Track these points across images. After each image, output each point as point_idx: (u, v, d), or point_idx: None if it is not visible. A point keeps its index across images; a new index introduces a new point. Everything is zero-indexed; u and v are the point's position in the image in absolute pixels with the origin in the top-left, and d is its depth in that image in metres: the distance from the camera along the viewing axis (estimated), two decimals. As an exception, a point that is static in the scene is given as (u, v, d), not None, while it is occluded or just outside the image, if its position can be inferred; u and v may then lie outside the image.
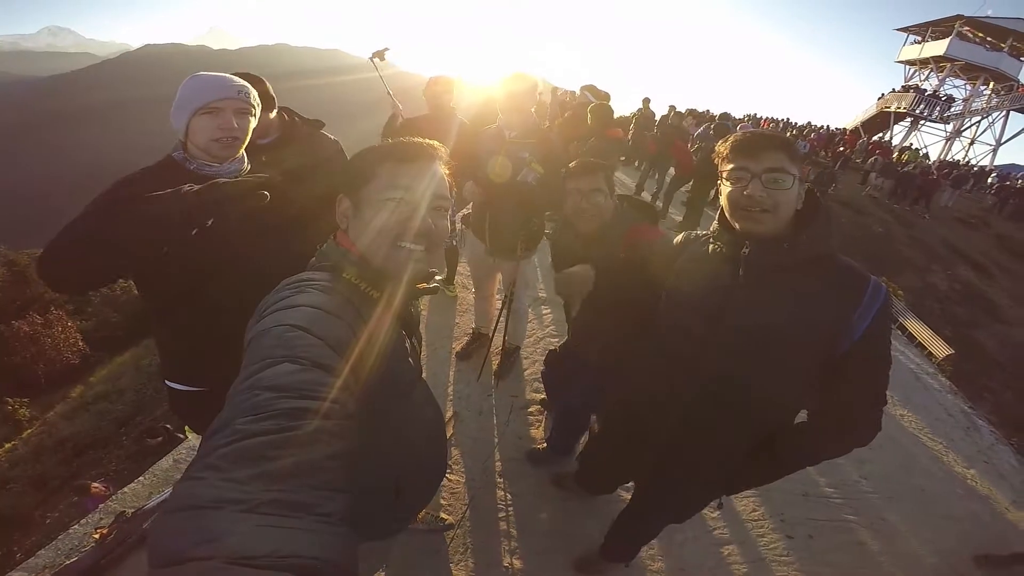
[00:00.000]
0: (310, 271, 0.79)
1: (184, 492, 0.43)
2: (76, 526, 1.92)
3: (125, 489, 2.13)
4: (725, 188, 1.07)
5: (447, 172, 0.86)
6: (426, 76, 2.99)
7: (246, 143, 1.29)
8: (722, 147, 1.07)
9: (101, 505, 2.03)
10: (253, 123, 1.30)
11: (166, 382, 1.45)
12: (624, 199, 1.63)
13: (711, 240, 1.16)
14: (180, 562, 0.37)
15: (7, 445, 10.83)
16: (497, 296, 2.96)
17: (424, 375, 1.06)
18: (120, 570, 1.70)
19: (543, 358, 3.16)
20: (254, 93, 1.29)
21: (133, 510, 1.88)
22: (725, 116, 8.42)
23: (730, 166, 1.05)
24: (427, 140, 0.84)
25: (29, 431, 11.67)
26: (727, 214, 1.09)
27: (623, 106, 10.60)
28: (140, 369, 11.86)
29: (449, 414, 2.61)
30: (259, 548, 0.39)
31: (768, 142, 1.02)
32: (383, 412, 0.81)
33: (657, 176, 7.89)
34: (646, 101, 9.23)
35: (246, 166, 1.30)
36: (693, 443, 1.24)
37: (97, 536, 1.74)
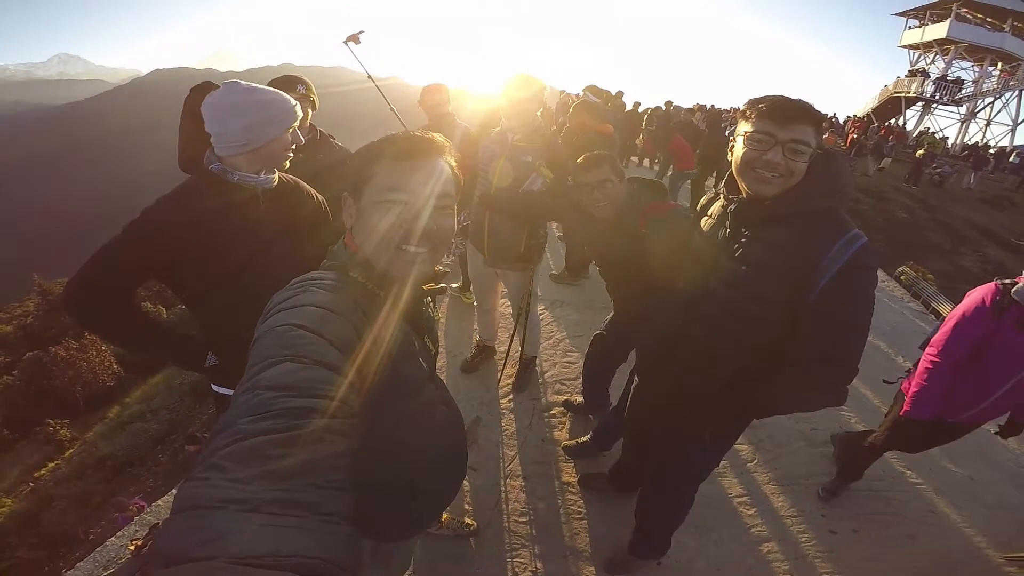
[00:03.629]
0: (318, 271, 0.79)
1: (187, 492, 0.43)
2: (113, 538, 1.97)
3: (159, 501, 2.18)
4: (739, 149, 1.06)
5: (454, 166, 0.82)
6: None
7: None
8: (748, 107, 1.05)
9: (136, 518, 2.08)
10: None
11: (212, 386, 1.51)
12: (633, 181, 1.73)
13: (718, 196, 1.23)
14: (183, 562, 0.37)
15: (50, 464, 11.26)
16: (505, 304, 2.91)
17: (443, 378, 1.05)
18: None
19: (563, 359, 3.15)
20: None
21: (167, 522, 1.92)
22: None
23: (751, 128, 1.03)
24: (428, 133, 0.81)
25: (70, 451, 12.11)
26: (736, 173, 1.10)
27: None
28: (172, 389, 12.21)
29: (471, 419, 2.59)
30: (262, 548, 0.39)
31: (801, 113, 1.00)
32: (389, 411, 0.79)
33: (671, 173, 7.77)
34: (619, 94, 9.08)
35: (275, 175, 1.34)
36: (682, 386, 1.29)
37: (133, 548, 1.77)
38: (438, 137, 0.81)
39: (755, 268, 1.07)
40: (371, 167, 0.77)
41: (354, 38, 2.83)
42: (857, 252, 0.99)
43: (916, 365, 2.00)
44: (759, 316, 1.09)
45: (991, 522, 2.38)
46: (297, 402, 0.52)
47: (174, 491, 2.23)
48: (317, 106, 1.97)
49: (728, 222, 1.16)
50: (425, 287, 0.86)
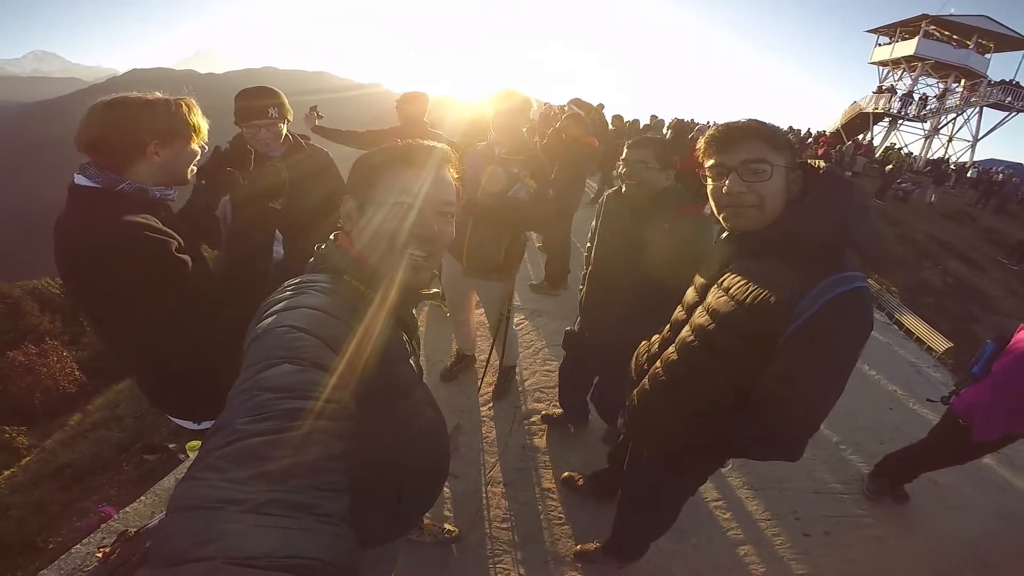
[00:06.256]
0: (310, 273, 0.79)
1: (184, 492, 0.44)
2: (78, 546, 1.89)
3: (127, 508, 2.09)
4: (708, 185, 1.04)
5: (455, 177, 0.85)
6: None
7: None
8: (701, 142, 1.03)
9: (103, 525, 2.00)
10: None
11: (175, 419, 1.46)
12: (679, 180, 1.81)
13: None
14: (181, 562, 0.37)
15: (6, 472, 10.65)
16: (477, 312, 2.92)
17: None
18: (124, 590, 1.66)
19: (543, 368, 3.17)
20: None
21: (136, 529, 1.84)
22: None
23: (709, 162, 1.01)
24: (437, 144, 0.83)
25: (27, 458, 11.47)
26: (714, 211, 1.08)
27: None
28: (137, 397, 11.69)
29: (452, 426, 2.58)
30: (259, 548, 0.39)
31: (741, 132, 0.96)
32: (384, 413, 0.80)
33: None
34: (599, 107, 9.37)
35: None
36: (651, 404, 1.25)
37: (100, 555, 1.70)
38: (445, 147, 0.83)
39: (733, 299, 1.01)
40: (379, 171, 0.79)
41: (313, 109, 2.97)
42: (844, 295, 0.88)
43: (964, 386, 2.22)
44: (728, 349, 1.03)
45: (957, 523, 2.50)
46: (295, 404, 0.52)
47: (144, 498, 2.15)
48: (291, 118, 1.91)
49: (726, 250, 1.11)
50: (422, 292, 0.87)
